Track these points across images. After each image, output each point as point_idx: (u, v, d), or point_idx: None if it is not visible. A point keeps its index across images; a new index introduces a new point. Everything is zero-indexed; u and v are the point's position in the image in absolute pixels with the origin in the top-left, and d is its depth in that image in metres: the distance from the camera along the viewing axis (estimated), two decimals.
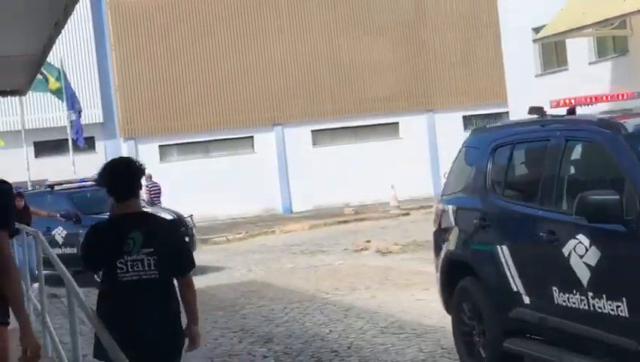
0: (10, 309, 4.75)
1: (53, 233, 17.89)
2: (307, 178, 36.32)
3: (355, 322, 11.38)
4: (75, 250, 16.63)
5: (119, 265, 5.16)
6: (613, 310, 6.18)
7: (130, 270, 5.17)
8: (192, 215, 19.73)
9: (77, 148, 27.96)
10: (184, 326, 5.50)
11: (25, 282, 10.23)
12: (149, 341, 5.17)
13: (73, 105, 26.06)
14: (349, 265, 17.83)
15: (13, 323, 4.94)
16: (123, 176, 5.34)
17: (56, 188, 19.40)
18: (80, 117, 26.50)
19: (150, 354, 5.15)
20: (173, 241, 5.49)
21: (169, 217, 16.47)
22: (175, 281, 5.44)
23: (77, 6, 7.50)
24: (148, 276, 5.20)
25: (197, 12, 36.40)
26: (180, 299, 5.43)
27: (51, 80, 25.34)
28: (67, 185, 19.66)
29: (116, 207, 5.37)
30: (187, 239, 16.93)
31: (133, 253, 5.18)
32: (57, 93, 26.01)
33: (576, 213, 6.32)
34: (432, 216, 9.38)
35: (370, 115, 37.63)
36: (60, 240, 17.96)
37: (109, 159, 5.69)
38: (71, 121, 26.58)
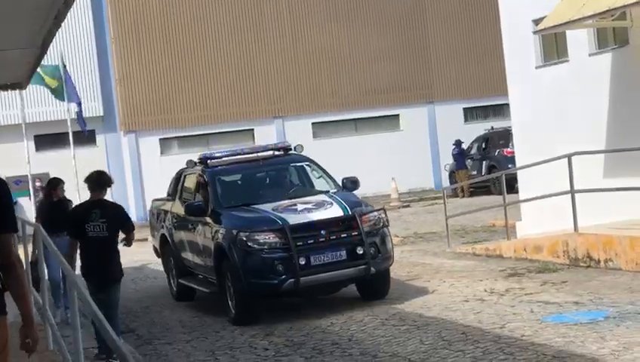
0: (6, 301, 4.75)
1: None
2: None
3: (356, 314, 11.40)
4: (207, 260, 12.70)
5: (87, 227, 9.44)
6: None
7: (92, 230, 9.45)
8: (383, 208, 13.07)
9: (77, 142, 27.82)
10: None
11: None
12: (98, 272, 9.44)
13: (73, 97, 25.82)
14: None
15: (14, 316, 4.95)
16: (93, 179, 9.77)
17: (211, 162, 13.68)
18: (80, 108, 26.29)
19: (100, 279, 9.45)
20: (120, 217, 9.74)
21: (339, 213, 12.07)
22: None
23: None
24: (103, 235, 9.45)
25: (197, 5, 36.34)
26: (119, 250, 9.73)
27: (47, 79, 25.01)
28: (225, 159, 13.97)
29: (90, 195, 9.79)
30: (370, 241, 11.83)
31: (94, 220, 9.44)
32: (56, 91, 25.68)
33: None
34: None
35: (370, 107, 37.60)
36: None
37: (95, 170, 9.99)
38: (76, 113, 26.35)
